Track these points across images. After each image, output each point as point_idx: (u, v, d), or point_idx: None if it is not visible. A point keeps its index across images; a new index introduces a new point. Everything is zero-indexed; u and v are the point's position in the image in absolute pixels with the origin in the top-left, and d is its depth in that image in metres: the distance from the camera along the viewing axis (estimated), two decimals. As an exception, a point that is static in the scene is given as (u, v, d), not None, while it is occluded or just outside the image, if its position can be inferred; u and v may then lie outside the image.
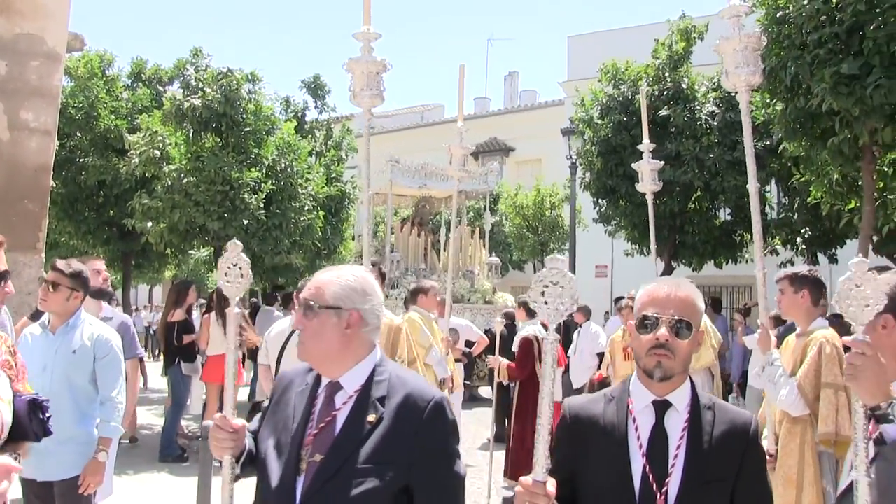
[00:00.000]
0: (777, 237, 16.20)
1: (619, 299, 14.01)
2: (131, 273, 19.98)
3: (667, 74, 15.70)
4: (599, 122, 16.15)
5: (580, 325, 13.28)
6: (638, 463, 2.36)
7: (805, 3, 8.26)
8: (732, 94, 10.42)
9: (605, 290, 23.07)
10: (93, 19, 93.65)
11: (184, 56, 16.56)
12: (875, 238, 10.59)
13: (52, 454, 4.51)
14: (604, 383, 9.93)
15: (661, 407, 2.43)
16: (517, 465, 9.36)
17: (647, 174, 7.87)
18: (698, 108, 15.29)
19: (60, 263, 4.97)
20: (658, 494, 2.31)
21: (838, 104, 7.96)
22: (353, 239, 21.79)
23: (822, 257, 15.61)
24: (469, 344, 11.64)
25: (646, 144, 7.85)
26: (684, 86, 15.47)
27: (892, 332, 2.67)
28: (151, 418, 13.50)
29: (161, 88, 17.98)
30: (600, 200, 17.09)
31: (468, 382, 13.24)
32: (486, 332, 13.15)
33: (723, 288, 23.03)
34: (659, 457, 2.35)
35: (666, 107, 15.14)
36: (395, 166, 16.95)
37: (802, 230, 14.98)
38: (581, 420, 2.54)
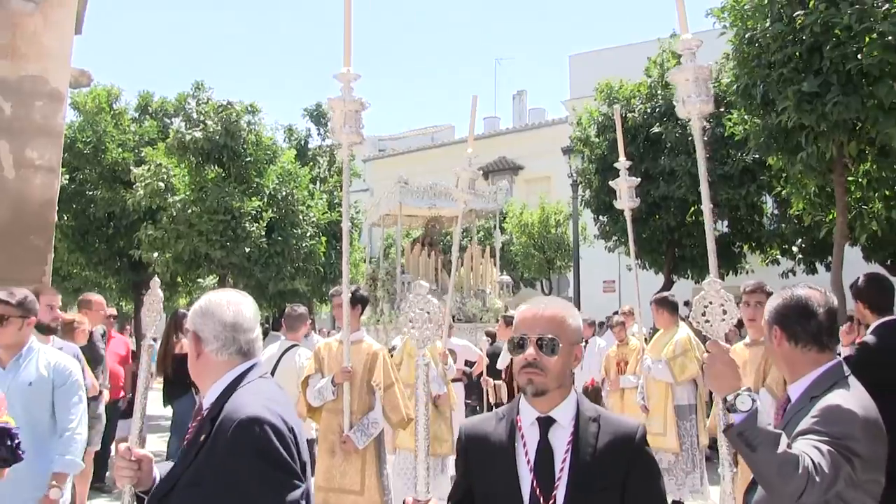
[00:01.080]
0: (774, 248, 16.42)
1: (609, 316, 14.21)
2: (142, 302, 20.39)
3: (659, 92, 16.00)
4: (596, 140, 16.45)
5: (587, 340, 13.43)
6: (526, 478, 2.46)
7: (768, 25, 8.55)
8: (720, 110, 10.80)
9: (614, 305, 23.27)
10: (100, 54, 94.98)
11: (186, 89, 17.01)
12: (850, 245, 10.82)
13: (6, 494, 4.27)
14: (597, 389, 10.13)
15: (546, 423, 2.51)
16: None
17: (625, 191, 7.97)
18: (689, 123, 15.54)
19: (2, 294, 4.66)
20: None
21: (802, 120, 8.23)
22: (366, 262, 22.17)
23: (819, 266, 15.79)
24: (469, 364, 11.87)
25: (622, 162, 7.96)
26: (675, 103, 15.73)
27: (782, 341, 2.98)
28: (161, 444, 13.78)
29: (168, 120, 18.43)
30: (600, 217, 17.38)
31: (469, 401, 13.45)
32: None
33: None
34: (545, 471, 2.45)
35: (658, 124, 15.43)
36: (403, 188, 17.15)
37: (796, 240, 15.20)
38: (473, 439, 2.62)
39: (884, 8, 7.78)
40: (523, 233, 23.83)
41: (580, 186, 17.97)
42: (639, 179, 8.46)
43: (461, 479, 2.68)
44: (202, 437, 2.53)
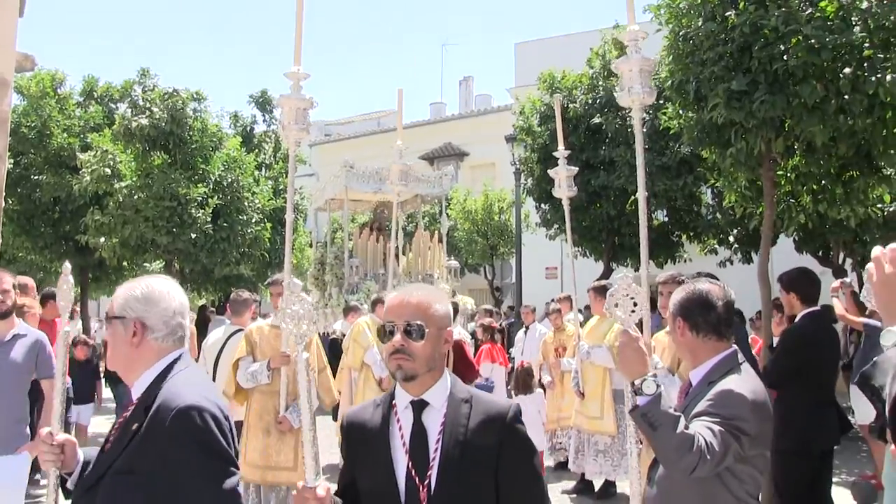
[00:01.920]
0: (711, 238, 16.91)
1: (548, 303, 14.51)
2: (89, 286, 20.35)
3: (600, 83, 16.35)
4: (538, 129, 16.77)
5: (527, 326, 13.73)
6: (402, 461, 2.54)
7: (701, 24, 8.89)
8: (660, 102, 11.11)
9: (556, 291, 23.68)
10: (43, 39, 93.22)
11: (132, 75, 16.99)
12: (786, 237, 11.24)
13: None
14: (527, 370, 10.40)
15: (419, 406, 2.59)
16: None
17: (563, 180, 8.10)
18: (629, 114, 15.93)
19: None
20: (421, 488, 2.50)
21: (731, 117, 8.59)
22: (311, 246, 22.29)
23: (754, 255, 16.26)
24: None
25: (561, 152, 8.14)
26: (615, 94, 16.10)
27: (685, 331, 3.30)
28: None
29: (113, 106, 18.37)
30: (542, 205, 17.73)
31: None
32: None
33: (668, 286, 23.76)
34: (420, 453, 2.53)
35: (599, 114, 15.79)
36: (349, 172, 17.23)
37: (732, 231, 15.68)
38: (353, 425, 2.71)
39: (808, 12, 8.16)
40: (467, 219, 24.10)
41: (522, 175, 18.29)
42: (577, 169, 8.63)
43: (345, 465, 2.79)
44: (134, 426, 2.52)
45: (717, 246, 17.17)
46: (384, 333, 2.62)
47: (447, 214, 22.16)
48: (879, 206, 11.65)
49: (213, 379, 7.93)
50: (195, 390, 2.58)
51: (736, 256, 17.09)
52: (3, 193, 11.00)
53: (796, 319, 6.40)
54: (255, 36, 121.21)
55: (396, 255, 19.29)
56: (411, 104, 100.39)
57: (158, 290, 2.74)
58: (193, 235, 13.34)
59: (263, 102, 18.73)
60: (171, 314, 2.72)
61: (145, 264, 17.21)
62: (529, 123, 17.19)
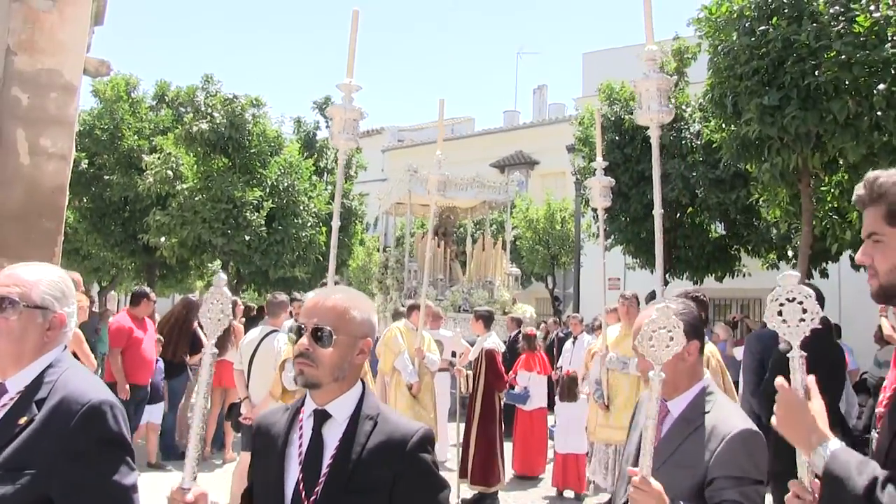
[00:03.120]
0: (772, 252, 16.67)
1: (595, 317, 14.38)
2: (156, 283, 21.02)
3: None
4: (595, 140, 16.75)
5: (576, 337, 13.68)
6: (294, 472, 2.38)
7: (735, 38, 8.91)
8: (714, 115, 11.05)
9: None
10: (119, 44, 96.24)
11: (195, 82, 17.48)
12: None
13: None
14: (573, 378, 10.45)
15: (320, 417, 2.42)
16: (485, 470, 9.87)
17: (597, 190, 7.82)
18: (685, 127, 15.86)
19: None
20: (305, 503, 2.34)
21: (765, 131, 8.58)
22: (380, 251, 22.61)
23: (814, 271, 16.01)
24: (455, 354, 12.27)
25: (598, 162, 7.91)
26: (671, 105, 16.03)
27: (694, 352, 2.86)
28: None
29: (182, 109, 18.99)
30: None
31: (454, 391, 13.80)
32: (506, 343, 13.22)
33: (731, 301, 23.48)
34: (313, 465, 2.36)
35: (654, 126, 15.72)
36: (413, 176, 17.32)
37: (786, 245, 15.46)
38: (260, 430, 2.56)
39: (838, 28, 8.11)
40: (529, 228, 24.15)
41: (580, 185, 18.30)
42: (612, 180, 8.53)
43: (249, 469, 2.61)
44: (22, 420, 2.36)
45: (777, 261, 16.90)
46: (294, 333, 2.44)
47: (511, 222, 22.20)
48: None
49: (248, 377, 8.19)
50: (97, 384, 2.49)
51: (794, 272, 16.78)
52: (71, 192, 11.57)
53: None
54: (321, 43, 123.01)
55: (453, 261, 19.50)
56: (485, 112, 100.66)
57: (67, 283, 2.58)
58: (248, 238, 13.74)
59: (326, 108, 19.11)
60: (72, 306, 2.59)
61: (208, 264, 17.72)
62: (588, 134, 17.20)
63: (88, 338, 14.25)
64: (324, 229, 15.95)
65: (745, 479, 2.53)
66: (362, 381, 2.54)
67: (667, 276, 17.46)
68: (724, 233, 17.13)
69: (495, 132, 35.57)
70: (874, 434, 3.80)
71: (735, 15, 8.99)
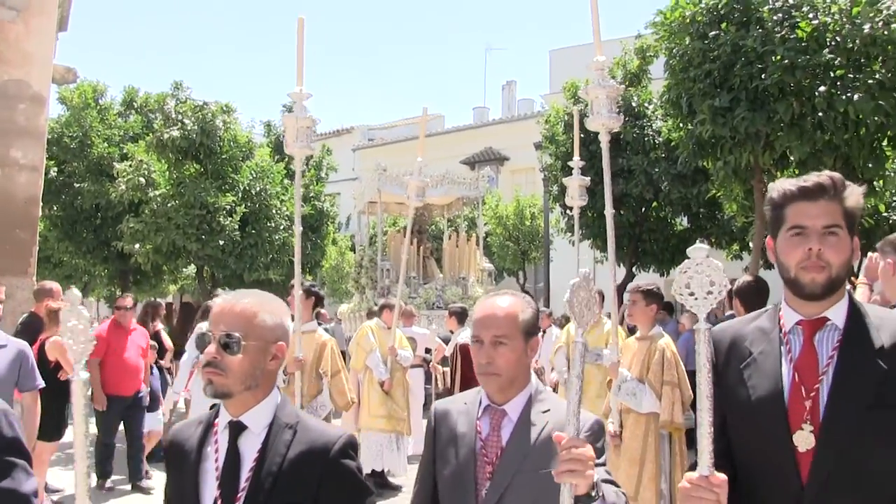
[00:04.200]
0: (734, 244, 17.11)
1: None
2: (129, 289, 21.15)
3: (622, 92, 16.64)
4: (560, 138, 17.11)
5: (544, 330, 13.96)
6: (211, 486, 2.28)
7: (688, 42, 9.29)
8: (671, 115, 11.39)
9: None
10: (86, 51, 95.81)
11: (165, 89, 17.60)
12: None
13: None
14: (537, 373, 10.79)
15: (236, 428, 2.31)
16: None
17: (575, 189, 8.19)
18: (648, 124, 16.24)
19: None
20: None
21: (716, 132, 8.97)
22: (353, 250, 22.79)
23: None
24: (429, 351, 12.56)
25: (576, 161, 8.24)
26: (634, 103, 16.42)
27: (535, 351, 2.87)
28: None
29: (152, 115, 19.13)
30: (568, 211, 18.08)
31: (428, 387, 14.05)
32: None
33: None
34: (231, 480, 2.26)
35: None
36: (382, 175, 17.49)
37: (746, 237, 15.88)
38: (173, 444, 2.44)
39: (782, 34, 8.51)
40: (499, 224, 24.45)
41: (549, 181, 18.64)
42: (588, 179, 8.71)
43: (166, 486, 2.50)
44: None
45: (740, 251, 17.35)
46: (200, 342, 2.33)
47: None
48: (874, 217, 11.88)
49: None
50: None
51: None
52: (43, 201, 11.73)
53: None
54: (290, 46, 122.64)
55: (428, 258, 19.73)
56: (455, 108, 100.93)
57: None
58: (221, 242, 14.02)
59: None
60: None
61: (183, 269, 17.93)
62: (554, 132, 17.54)
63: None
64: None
65: (603, 464, 2.52)
66: (279, 389, 2.44)
67: (633, 269, 17.91)
68: (688, 226, 17.54)
69: (465, 129, 35.84)
70: None
71: (688, 20, 9.36)
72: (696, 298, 2.10)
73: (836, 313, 2.29)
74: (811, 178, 2.26)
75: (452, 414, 2.76)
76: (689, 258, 2.15)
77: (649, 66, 16.94)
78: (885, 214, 13.28)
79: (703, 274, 2.10)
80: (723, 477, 2.04)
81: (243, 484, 2.25)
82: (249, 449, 2.30)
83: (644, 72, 16.99)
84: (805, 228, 2.23)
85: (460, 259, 19.58)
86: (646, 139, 15.99)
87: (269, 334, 2.33)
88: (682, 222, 17.72)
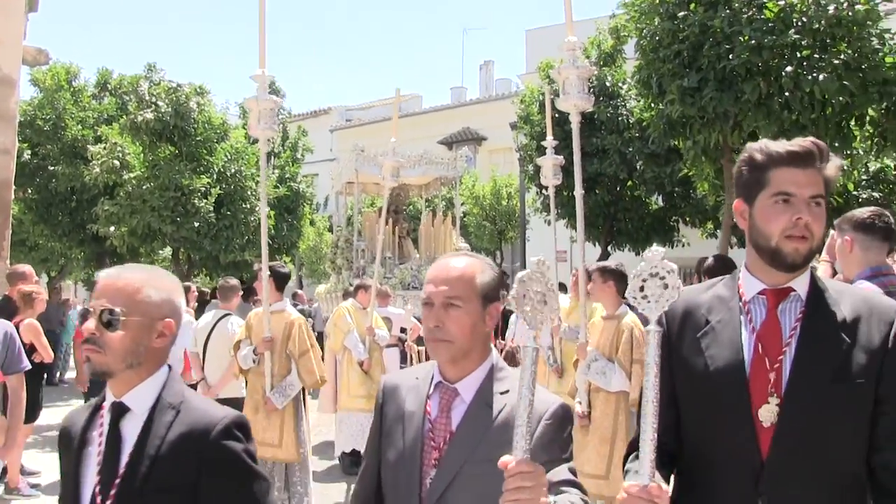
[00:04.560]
0: (709, 222, 17.28)
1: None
2: (106, 272, 20.97)
3: (595, 72, 16.72)
4: (535, 117, 17.19)
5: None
6: (92, 471, 2.17)
7: (657, 22, 9.37)
8: (642, 95, 11.48)
9: (567, 274, 23.98)
10: (58, 33, 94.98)
11: (140, 71, 17.52)
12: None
13: None
14: (510, 353, 11.00)
15: (118, 409, 2.19)
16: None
17: (549, 168, 8.20)
18: (622, 103, 16.34)
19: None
20: None
21: (685, 111, 9.07)
22: (330, 231, 22.78)
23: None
24: (405, 331, 12.66)
25: (549, 141, 8.23)
26: (608, 83, 16.51)
27: (495, 319, 2.70)
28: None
29: (127, 97, 19.05)
30: (543, 191, 18.19)
31: (404, 366, 14.13)
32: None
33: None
34: (111, 464, 2.13)
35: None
36: (360, 155, 17.45)
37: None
38: (63, 431, 2.33)
39: (749, 14, 8.61)
40: (476, 204, 24.52)
41: (524, 161, 18.72)
42: (562, 159, 8.71)
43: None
44: None
45: (714, 230, 17.51)
46: (81, 317, 2.22)
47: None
48: (844, 195, 12.06)
49: (203, 360, 8.56)
50: None
51: (734, 239, 17.41)
52: (13, 186, 11.66)
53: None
54: (268, 25, 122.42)
55: (404, 238, 19.75)
56: (433, 89, 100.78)
57: None
58: (196, 224, 14.05)
59: (272, 92, 19.24)
60: None
61: (159, 251, 17.93)
62: (529, 111, 17.62)
63: (53, 328, 14.45)
64: (272, 213, 16.26)
65: (569, 458, 2.27)
66: (169, 366, 2.31)
67: (608, 247, 18.06)
68: (662, 205, 17.69)
69: (443, 109, 35.82)
70: None
71: (657, 1, 9.44)
72: (649, 301, 1.96)
73: (800, 284, 2.21)
74: (799, 143, 2.16)
75: (401, 390, 2.48)
76: (644, 261, 2.00)
77: (623, 46, 17.03)
78: (855, 193, 13.48)
79: (657, 277, 1.98)
80: (664, 487, 1.89)
81: (122, 469, 2.12)
82: (131, 431, 2.16)
83: (619, 52, 17.09)
84: (792, 196, 2.12)
85: (436, 239, 19.58)
86: (620, 119, 16.10)
87: (154, 310, 2.21)
88: (658, 201, 17.86)
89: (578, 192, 6.59)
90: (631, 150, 15.75)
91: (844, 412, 2.08)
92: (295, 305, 17.94)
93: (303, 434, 7.14)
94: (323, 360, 8.54)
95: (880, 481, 2.11)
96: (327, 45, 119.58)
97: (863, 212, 4.28)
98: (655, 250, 2.01)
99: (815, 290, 2.22)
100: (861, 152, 11.18)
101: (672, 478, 2.34)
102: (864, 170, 13.88)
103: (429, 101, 40.79)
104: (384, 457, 2.44)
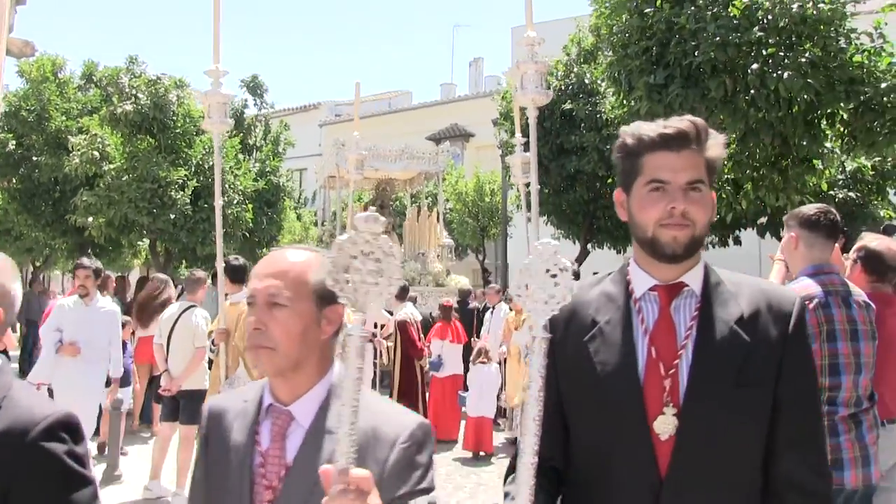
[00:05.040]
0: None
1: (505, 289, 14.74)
2: (89, 263, 21.03)
3: (574, 69, 16.79)
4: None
5: (493, 306, 14.14)
6: None
7: (624, 19, 9.43)
8: (613, 91, 11.55)
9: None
10: (45, 24, 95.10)
11: (120, 63, 17.53)
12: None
13: None
14: (480, 351, 11.16)
15: None
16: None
17: (518, 167, 8.06)
18: (601, 101, 16.38)
19: None
20: None
21: (652, 108, 9.12)
22: (317, 225, 22.86)
23: (729, 240, 16.59)
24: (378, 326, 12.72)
25: (518, 138, 8.18)
26: (587, 80, 16.56)
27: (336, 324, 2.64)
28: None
29: (111, 89, 19.09)
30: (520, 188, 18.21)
31: (376, 361, 14.12)
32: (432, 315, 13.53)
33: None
34: None
35: (569, 100, 16.23)
36: (341, 150, 17.42)
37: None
38: None
39: (714, 11, 8.67)
40: (458, 200, 24.58)
41: (506, 158, 18.75)
42: (528, 154, 8.66)
43: None
44: None
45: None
46: None
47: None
48: (820, 196, 12.10)
49: (167, 351, 8.61)
50: None
51: (714, 239, 17.48)
52: (7, 171, 11.68)
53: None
54: (248, 22, 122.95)
55: (388, 233, 19.86)
56: (422, 85, 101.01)
57: None
58: (173, 216, 14.10)
59: (254, 87, 19.40)
60: None
61: (138, 243, 17.99)
62: (510, 108, 17.66)
63: (33, 318, 14.47)
64: (250, 206, 16.35)
65: (429, 487, 1.92)
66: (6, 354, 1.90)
67: (589, 246, 18.11)
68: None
69: (431, 105, 35.92)
70: None
71: (624, -2, 9.51)
72: (535, 302, 1.66)
73: (693, 278, 2.03)
74: (673, 124, 1.97)
75: (228, 415, 2.06)
76: (532, 255, 1.72)
77: (602, 44, 17.08)
78: (832, 193, 13.53)
79: (549, 274, 1.68)
80: None
81: None
82: None
83: (599, 49, 17.12)
84: (666, 183, 1.95)
85: (420, 234, 19.67)
86: (598, 116, 16.12)
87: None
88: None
89: (534, 188, 6.62)
90: (609, 147, 15.79)
91: (747, 419, 1.93)
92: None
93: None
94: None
95: (778, 492, 1.97)
96: (317, 39, 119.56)
97: (809, 208, 4.31)
98: (546, 243, 1.74)
99: (710, 283, 2.04)
100: (838, 151, 11.25)
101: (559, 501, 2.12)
102: (840, 169, 13.94)
103: (419, 97, 40.80)
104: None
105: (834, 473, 3.93)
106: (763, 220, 13.96)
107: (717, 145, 2.01)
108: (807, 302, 4.08)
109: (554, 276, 1.68)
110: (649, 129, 2.00)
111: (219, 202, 7.31)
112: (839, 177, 13.84)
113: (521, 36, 5.87)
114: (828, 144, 10.24)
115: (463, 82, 40.74)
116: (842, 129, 10.24)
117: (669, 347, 1.97)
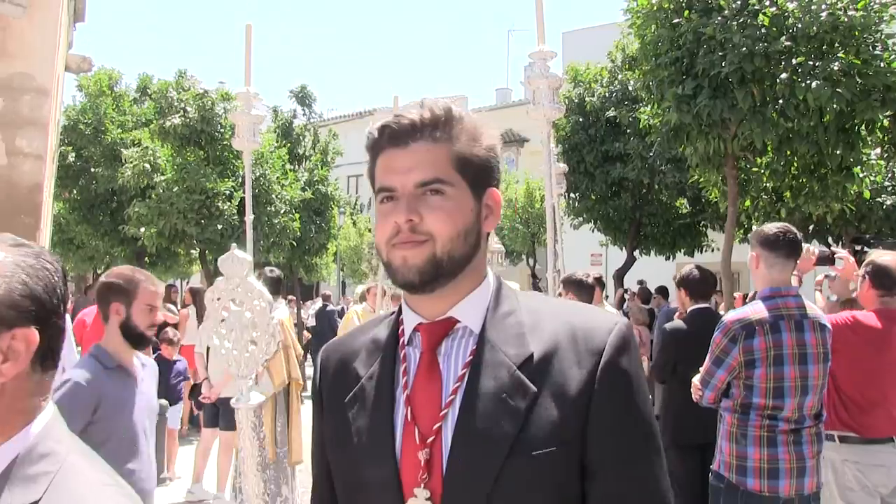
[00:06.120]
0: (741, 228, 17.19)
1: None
2: (145, 269, 21.52)
3: (618, 76, 16.78)
4: (561, 121, 17.28)
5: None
6: None
7: (654, 29, 9.43)
8: (648, 101, 11.55)
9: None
10: (103, 40, 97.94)
11: (185, 72, 17.93)
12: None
13: None
14: None
15: None
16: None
17: (552, 177, 8.36)
18: (644, 108, 16.34)
19: None
20: None
21: (681, 119, 9.11)
22: (370, 231, 23.16)
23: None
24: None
25: (549, 148, 8.27)
26: (630, 87, 16.52)
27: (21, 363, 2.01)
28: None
29: (162, 103, 19.61)
30: (571, 194, 18.25)
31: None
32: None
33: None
34: None
35: (613, 108, 16.23)
36: None
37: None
38: None
39: (741, 21, 8.63)
40: (508, 206, 24.66)
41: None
42: (565, 166, 8.82)
43: None
44: None
45: (745, 236, 17.40)
46: None
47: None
48: (868, 203, 11.98)
49: (207, 360, 8.87)
50: None
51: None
52: (45, 190, 12.09)
53: (685, 316, 6.85)
54: (301, 34, 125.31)
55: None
56: (478, 90, 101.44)
57: None
58: (220, 227, 14.43)
59: (303, 97, 19.73)
60: None
61: (191, 251, 18.39)
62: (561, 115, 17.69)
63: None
64: (297, 216, 16.65)
65: None
66: None
67: (635, 252, 18.05)
68: (689, 209, 17.64)
69: (486, 110, 35.99)
70: None
71: (655, 7, 9.49)
72: (235, 351, 1.25)
73: (467, 311, 1.56)
74: (402, 112, 1.55)
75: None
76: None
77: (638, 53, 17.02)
78: (879, 200, 13.34)
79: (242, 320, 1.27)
80: None
81: None
82: None
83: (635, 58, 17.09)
84: (394, 191, 1.52)
85: (467, 240, 19.76)
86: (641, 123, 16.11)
87: None
88: (685, 205, 17.82)
89: (549, 201, 6.68)
90: (651, 154, 15.75)
91: (529, 495, 1.42)
92: (324, 306, 18.41)
93: (279, 433, 7.37)
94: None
95: None
96: (374, 47, 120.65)
97: (770, 227, 4.33)
98: (220, 280, 1.29)
99: (495, 317, 1.56)
100: (882, 160, 11.10)
101: None
102: (888, 176, 13.73)
103: (474, 102, 40.87)
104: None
105: (769, 482, 4.02)
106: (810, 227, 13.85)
107: (476, 136, 1.57)
108: (757, 327, 4.12)
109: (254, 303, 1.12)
110: (381, 120, 1.58)
111: (249, 217, 7.46)
112: (886, 184, 13.62)
113: (572, 41, 5.92)
114: (867, 151, 10.11)
115: (518, 87, 40.66)
116: (881, 136, 10.13)
117: (431, 407, 1.51)
